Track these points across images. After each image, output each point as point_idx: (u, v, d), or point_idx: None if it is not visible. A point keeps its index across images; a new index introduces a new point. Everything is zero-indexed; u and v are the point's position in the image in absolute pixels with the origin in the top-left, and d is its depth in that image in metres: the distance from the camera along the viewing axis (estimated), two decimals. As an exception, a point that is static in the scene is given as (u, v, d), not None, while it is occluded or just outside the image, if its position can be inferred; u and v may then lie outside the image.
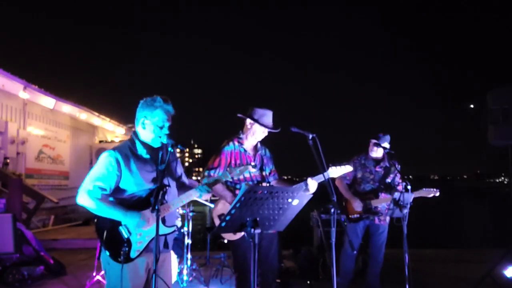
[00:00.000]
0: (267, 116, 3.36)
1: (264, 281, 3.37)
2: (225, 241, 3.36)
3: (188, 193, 2.53)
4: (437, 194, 4.10)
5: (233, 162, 3.29)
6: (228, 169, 2.65)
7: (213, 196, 3.03)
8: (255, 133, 3.35)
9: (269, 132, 3.39)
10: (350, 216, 4.41)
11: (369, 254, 4.48)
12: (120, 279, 2.33)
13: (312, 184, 3.16)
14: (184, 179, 2.78)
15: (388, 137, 4.41)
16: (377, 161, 4.45)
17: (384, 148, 4.24)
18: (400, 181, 4.49)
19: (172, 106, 2.54)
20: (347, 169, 3.42)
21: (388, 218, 4.41)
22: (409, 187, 3.82)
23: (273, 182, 3.50)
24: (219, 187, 3.16)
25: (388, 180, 4.44)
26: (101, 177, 2.40)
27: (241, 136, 3.41)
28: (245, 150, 3.36)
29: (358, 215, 4.33)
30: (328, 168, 3.29)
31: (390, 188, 4.43)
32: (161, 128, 2.50)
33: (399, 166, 4.50)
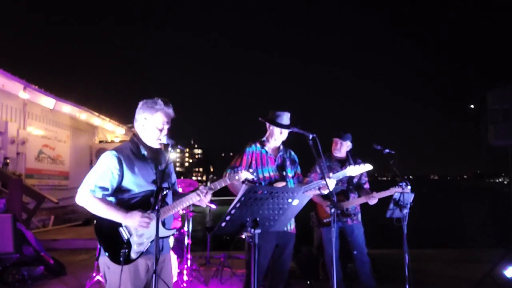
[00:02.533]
0: (283, 116, 3.51)
1: (272, 280, 3.41)
2: (243, 236, 3.42)
3: (189, 196, 2.53)
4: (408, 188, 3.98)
5: (253, 162, 3.47)
6: (227, 175, 2.67)
7: (214, 196, 3.05)
8: (274, 134, 3.53)
9: (289, 133, 3.53)
10: (323, 221, 4.35)
11: (354, 257, 4.37)
12: (120, 281, 2.31)
13: (331, 182, 3.25)
14: (176, 187, 2.79)
15: (350, 136, 4.40)
16: (342, 162, 4.38)
17: (384, 149, 4.21)
18: (367, 179, 4.49)
19: (172, 109, 2.54)
20: (366, 167, 3.48)
21: (360, 216, 4.38)
22: (409, 186, 3.83)
23: (295, 185, 3.60)
24: (238, 185, 3.22)
25: (355, 180, 4.39)
26: (103, 176, 2.37)
27: (263, 139, 3.61)
28: (266, 152, 3.54)
29: (330, 219, 4.27)
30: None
31: (359, 188, 4.40)
32: (161, 130, 2.50)
33: (361, 162, 4.49)
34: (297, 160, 3.71)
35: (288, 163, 3.60)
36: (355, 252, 4.33)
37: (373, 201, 4.09)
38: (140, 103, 2.54)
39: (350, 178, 4.32)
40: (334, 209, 3.01)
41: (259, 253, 3.12)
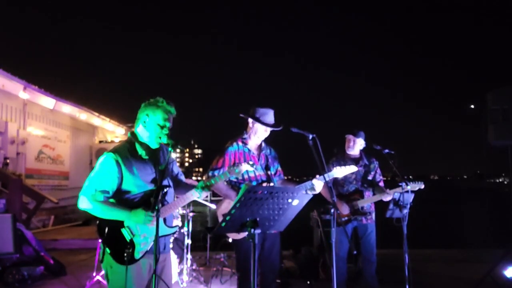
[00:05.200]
0: (268, 114, 3.38)
1: (264, 281, 3.38)
2: (230, 240, 3.38)
3: (189, 194, 2.54)
4: (422, 186, 3.97)
5: (237, 162, 3.29)
6: (227, 169, 2.65)
7: (213, 196, 3.05)
8: (257, 132, 3.38)
9: (271, 131, 3.41)
10: (338, 220, 4.35)
11: (362, 256, 4.40)
12: (125, 281, 2.31)
13: (318, 184, 3.17)
14: (181, 177, 2.79)
15: (363, 133, 4.38)
16: (356, 160, 4.36)
17: (384, 149, 4.20)
18: (382, 177, 4.49)
19: (174, 108, 2.56)
20: (351, 169, 3.43)
21: (374, 216, 4.37)
22: (408, 187, 3.82)
23: (278, 182, 3.52)
24: (223, 187, 3.18)
25: (370, 177, 4.39)
26: (102, 180, 2.39)
27: (245, 136, 3.43)
28: (249, 150, 3.39)
29: (346, 218, 4.25)
30: (332, 169, 3.34)
31: (374, 186, 4.39)
32: (162, 128, 2.51)
33: (377, 162, 4.48)
34: (277, 156, 3.59)
35: (270, 160, 3.50)
36: (364, 253, 4.31)
37: (387, 197, 4.08)
38: (143, 104, 2.58)
39: (364, 176, 4.33)
40: (334, 209, 3.00)
41: (247, 254, 3.10)
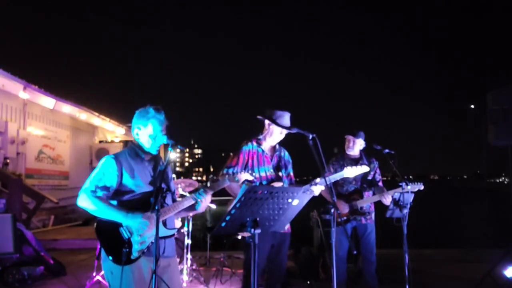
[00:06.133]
0: (284, 117, 3.45)
1: (270, 279, 3.41)
2: (239, 237, 3.40)
3: (191, 197, 2.55)
4: (422, 187, 3.95)
5: (250, 161, 3.41)
6: (227, 176, 2.68)
7: (214, 195, 3.05)
8: (273, 134, 3.47)
9: (286, 134, 3.47)
10: (337, 220, 4.35)
11: (362, 256, 4.38)
12: (120, 280, 2.31)
13: (316, 189, 3.19)
14: (175, 196, 2.80)
15: (362, 134, 4.37)
16: (355, 160, 4.36)
17: (385, 149, 4.20)
18: (380, 177, 4.48)
19: (164, 115, 2.56)
20: (363, 169, 3.44)
21: (373, 215, 4.36)
22: (408, 187, 3.82)
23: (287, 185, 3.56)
24: (235, 186, 3.21)
25: (369, 177, 4.38)
26: (102, 178, 2.42)
27: (260, 137, 3.53)
28: (263, 151, 3.48)
29: (345, 218, 4.24)
30: (331, 169, 3.35)
31: (373, 186, 4.38)
32: (155, 138, 2.53)
33: (377, 163, 4.48)
34: (290, 161, 3.66)
35: (282, 163, 3.57)
36: (364, 253, 4.29)
37: (387, 200, 4.03)
38: (136, 113, 2.58)
39: (364, 176, 4.30)
40: (334, 209, 3.00)
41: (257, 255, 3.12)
